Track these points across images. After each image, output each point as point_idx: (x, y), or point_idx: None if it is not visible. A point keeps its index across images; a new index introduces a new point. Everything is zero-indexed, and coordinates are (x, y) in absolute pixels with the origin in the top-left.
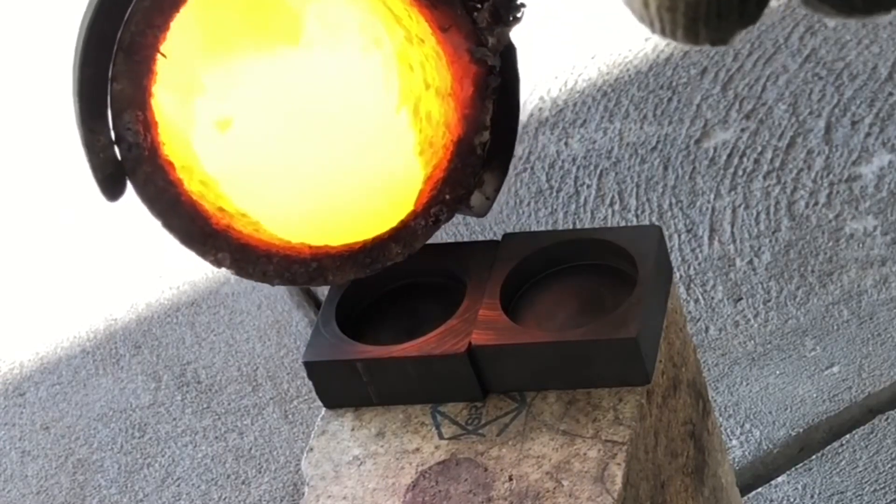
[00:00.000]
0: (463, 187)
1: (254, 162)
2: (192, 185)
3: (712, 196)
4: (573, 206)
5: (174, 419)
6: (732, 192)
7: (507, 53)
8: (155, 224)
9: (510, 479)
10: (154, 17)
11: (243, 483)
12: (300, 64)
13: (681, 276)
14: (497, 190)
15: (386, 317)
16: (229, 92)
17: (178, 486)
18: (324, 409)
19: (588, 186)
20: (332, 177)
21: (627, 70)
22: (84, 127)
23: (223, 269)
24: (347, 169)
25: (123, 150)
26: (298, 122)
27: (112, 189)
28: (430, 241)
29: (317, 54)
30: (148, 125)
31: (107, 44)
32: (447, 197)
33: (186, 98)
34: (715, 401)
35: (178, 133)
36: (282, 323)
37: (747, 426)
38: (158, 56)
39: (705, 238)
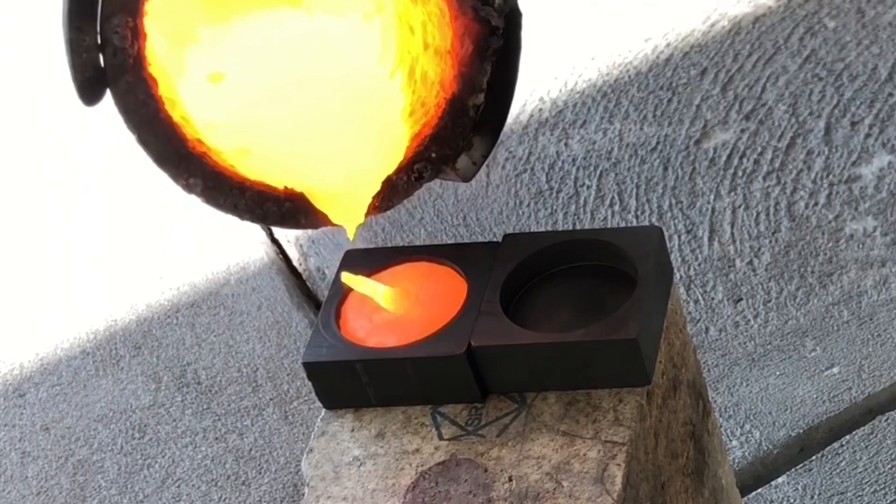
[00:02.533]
0: (450, 147)
1: (240, 117)
2: (174, 112)
3: (712, 197)
4: (573, 207)
5: (174, 420)
6: (732, 193)
7: (512, 17)
8: (155, 224)
9: (510, 479)
10: None
11: (243, 484)
12: (300, 25)
13: (681, 277)
14: (485, 156)
15: None
16: (224, 47)
17: (178, 487)
18: (323, 409)
19: (588, 187)
20: (318, 135)
21: (627, 71)
22: (70, 25)
23: (199, 202)
24: (333, 127)
25: (108, 55)
26: (288, 80)
27: (89, 93)
28: (430, 242)
29: (319, 16)
30: (136, 33)
31: None
32: (433, 155)
33: (179, 46)
34: (715, 401)
35: (167, 76)
36: (282, 324)
37: (747, 427)
38: None
39: (705, 239)
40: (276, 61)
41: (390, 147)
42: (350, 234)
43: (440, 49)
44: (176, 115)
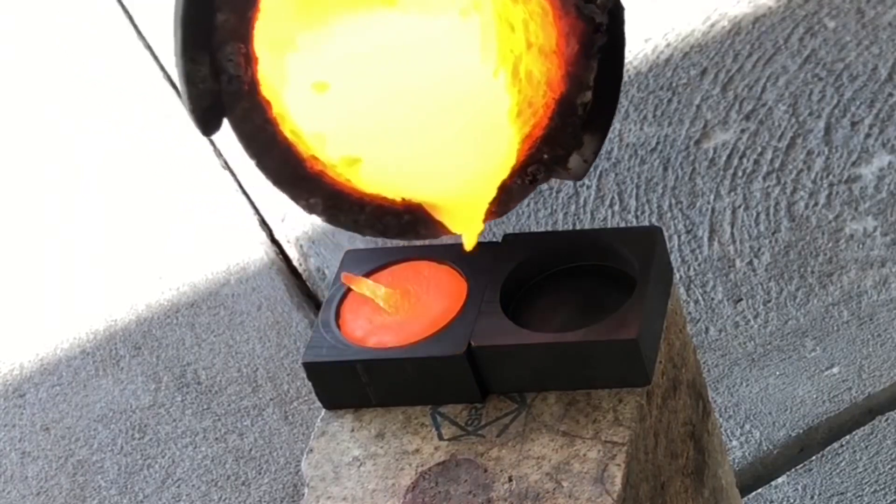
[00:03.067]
0: (562, 147)
1: (346, 124)
2: (285, 129)
3: (712, 197)
4: (573, 207)
5: (174, 420)
6: (732, 193)
7: (616, 12)
8: (155, 224)
9: (510, 479)
10: None
11: (243, 484)
12: (396, 26)
13: (681, 277)
14: (596, 153)
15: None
16: (323, 52)
17: (178, 487)
18: (323, 410)
19: (588, 187)
20: (427, 140)
21: (627, 71)
22: (185, 56)
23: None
24: (442, 132)
25: (224, 82)
26: (392, 86)
27: (208, 123)
28: (430, 243)
29: (414, 16)
30: (249, 59)
31: None
32: (545, 157)
33: (279, 54)
34: (715, 401)
35: (274, 90)
36: (282, 324)
37: (747, 427)
38: None
39: (705, 239)
40: (375, 64)
41: (502, 150)
42: (469, 243)
43: (545, 49)
44: (287, 131)
